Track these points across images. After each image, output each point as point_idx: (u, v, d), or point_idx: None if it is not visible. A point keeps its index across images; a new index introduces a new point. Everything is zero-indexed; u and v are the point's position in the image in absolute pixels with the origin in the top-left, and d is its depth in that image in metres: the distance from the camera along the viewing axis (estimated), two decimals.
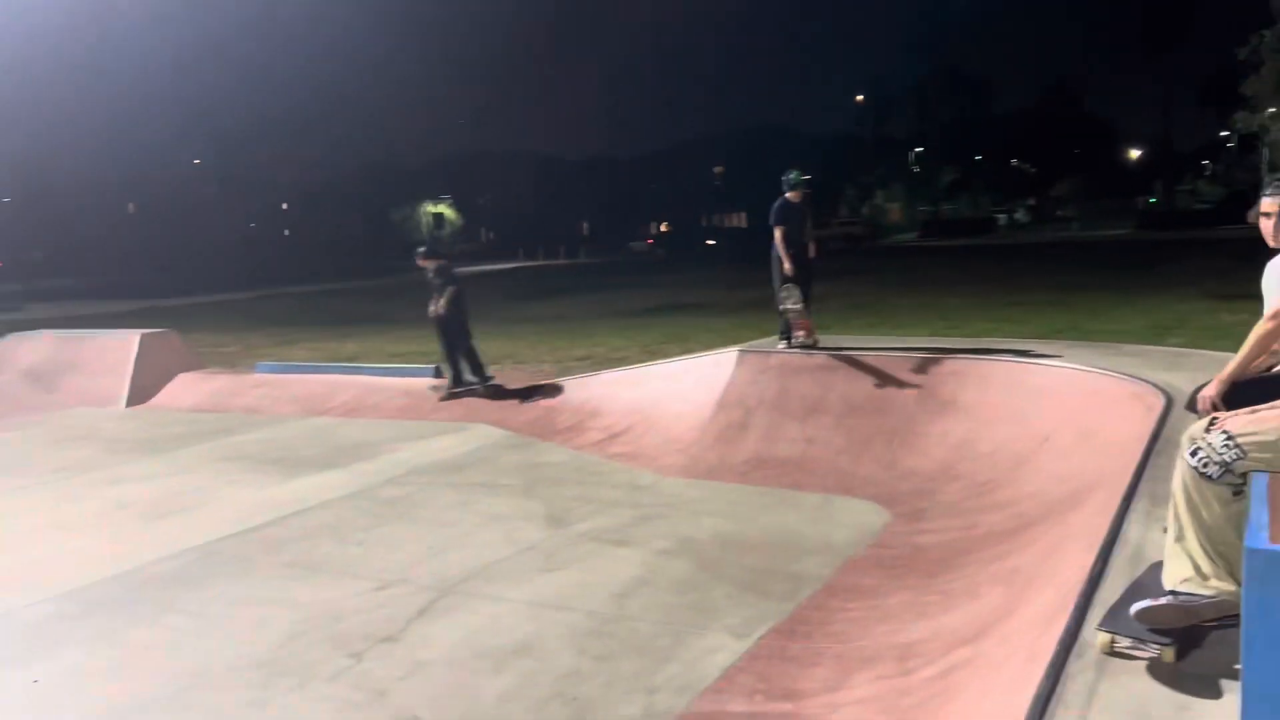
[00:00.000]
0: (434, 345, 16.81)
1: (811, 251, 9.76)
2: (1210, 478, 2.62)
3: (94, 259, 51.84)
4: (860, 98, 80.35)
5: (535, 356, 14.48)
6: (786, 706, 4.11)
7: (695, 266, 43.50)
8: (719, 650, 4.69)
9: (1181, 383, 6.69)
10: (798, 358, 9.27)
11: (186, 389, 12.98)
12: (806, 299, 9.61)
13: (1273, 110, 20.10)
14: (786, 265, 9.56)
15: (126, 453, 9.83)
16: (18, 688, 4.62)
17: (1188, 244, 34.92)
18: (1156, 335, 11.79)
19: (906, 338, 12.14)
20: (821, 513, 6.94)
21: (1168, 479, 4.49)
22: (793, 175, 9.60)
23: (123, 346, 13.39)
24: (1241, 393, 3.29)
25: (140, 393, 12.90)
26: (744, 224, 78.48)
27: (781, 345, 9.61)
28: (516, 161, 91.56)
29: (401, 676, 4.54)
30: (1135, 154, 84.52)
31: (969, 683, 3.56)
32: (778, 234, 9.55)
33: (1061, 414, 7.31)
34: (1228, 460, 2.59)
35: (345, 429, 10.52)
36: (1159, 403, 6.14)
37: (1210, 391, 3.36)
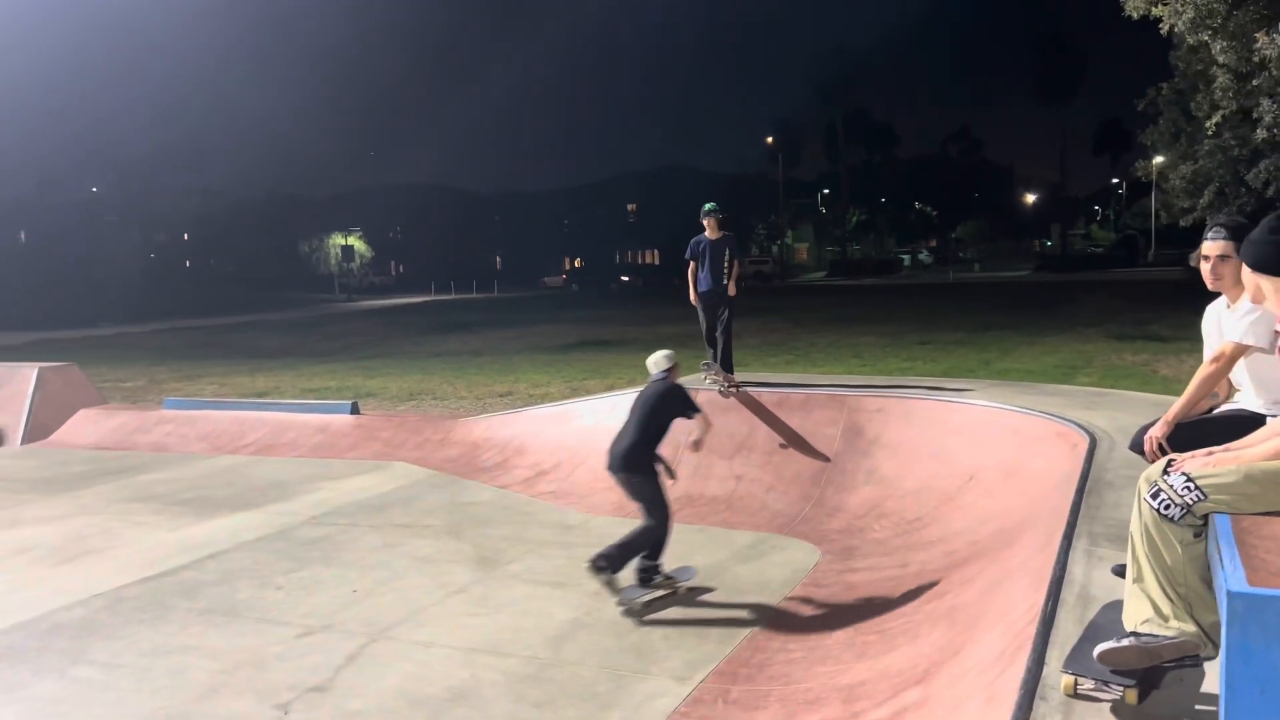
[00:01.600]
0: (350, 380, 16.49)
1: (730, 289, 9.57)
2: (1172, 519, 2.66)
3: None
4: (770, 139, 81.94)
5: (454, 393, 14.25)
6: None
7: (610, 302, 43.62)
8: (661, 695, 4.61)
9: (1102, 422, 6.89)
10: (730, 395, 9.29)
11: (88, 426, 12.42)
12: (726, 333, 9.54)
13: (1161, 160, 21.15)
14: (692, 296, 9.61)
15: (25, 493, 9.33)
16: None
17: (1084, 286, 36.34)
18: (1066, 374, 12.16)
19: (826, 375, 12.30)
20: (754, 551, 6.93)
21: (1103, 518, 4.60)
22: (707, 206, 9.64)
23: (18, 380, 12.76)
24: (1185, 434, 3.38)
25: (38, 429, 12.28)
26: (657, 261, 79.06)
27: (707, 379, 9.57)
28: (428, 194, 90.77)
29: None
30: (1032, 199, 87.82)
31: None
32: (690, 268, 9.62)
33: (985, 452, 7.44)
34: (1189, 502, 2.63)
35: (259, 468, 10.17)
36: (1084, 441, 6.29)
37: (1156, 433, 3.44)
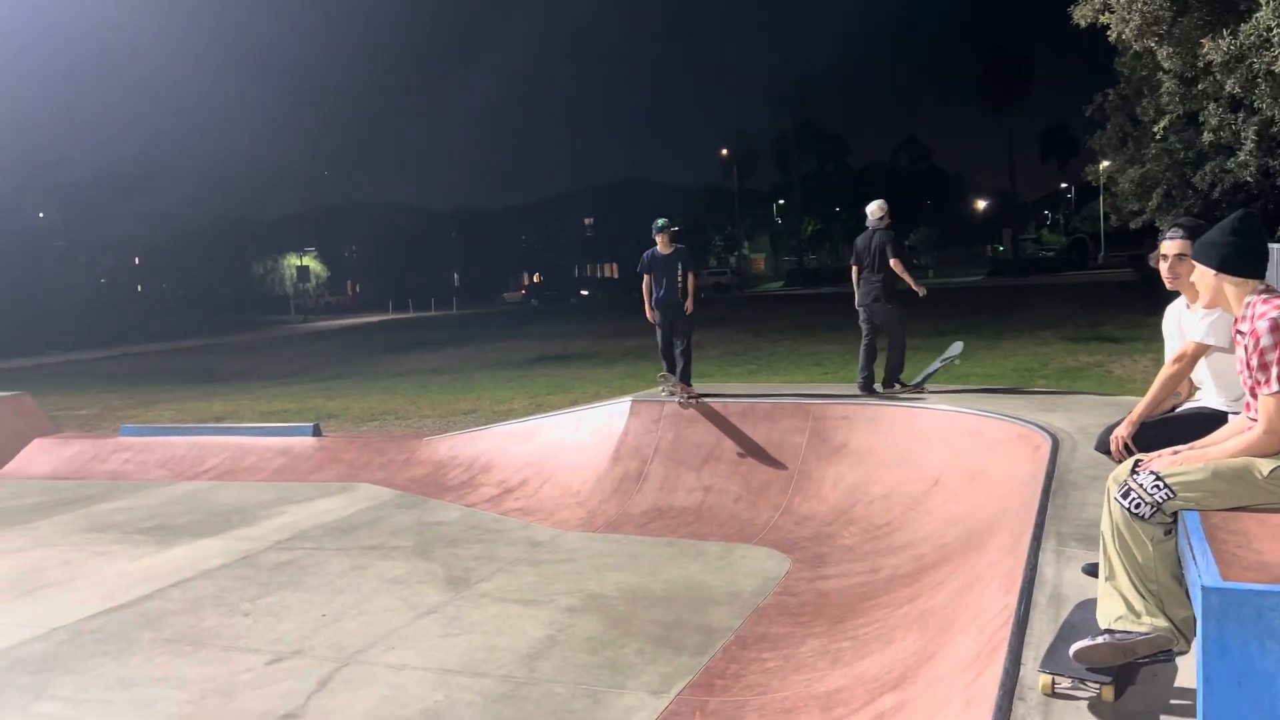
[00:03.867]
0: (310, 401, 16.30)
1: (687, 306, 9.61)
2: (1142, 518, 2.70)
3: None
4: (725, 151, 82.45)
5: (417, 411, 14.15)
6: None
7: (570, 317, 43.56)
8: (638, 709, 4.59)
9: (1062, 423, 6.99)
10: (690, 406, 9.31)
11: (43, 455, 12.16)
12: (686, 349, 9.60)
13: (1109, 164, 21.62)
14: (649, 313, 9.68)
15: None
16: None
17: (1036, 289, 36.88)
18: (1023, 378, 12.33)
19: (789, 384, 12.37)
20: (724, 562, 6.94)
21: (1070, 518, 4.67)
22: (659, 222, 9.69)
23: None
24: (1149, 433, 3.44)
25: None
26: (616, 274, 79.20)
27: (665, 391, 9.60)
28: (384, 212, 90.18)
29: None
30: (982, 205, 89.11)
31: None
32: (644, 281, 9.69)
33: (950, 456, 7.52)
34: (1159, 501, 2.68)
35: (221, 493, 10.01)
36: (1046, 443, 6.37)
37: (1122, 432, 3.49)
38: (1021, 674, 3.03)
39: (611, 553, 7.26)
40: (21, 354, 38.67)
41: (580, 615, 5.92)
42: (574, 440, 9.54)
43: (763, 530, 7.59)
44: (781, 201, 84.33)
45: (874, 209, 9.34)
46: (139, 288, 74.24)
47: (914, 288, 9.44)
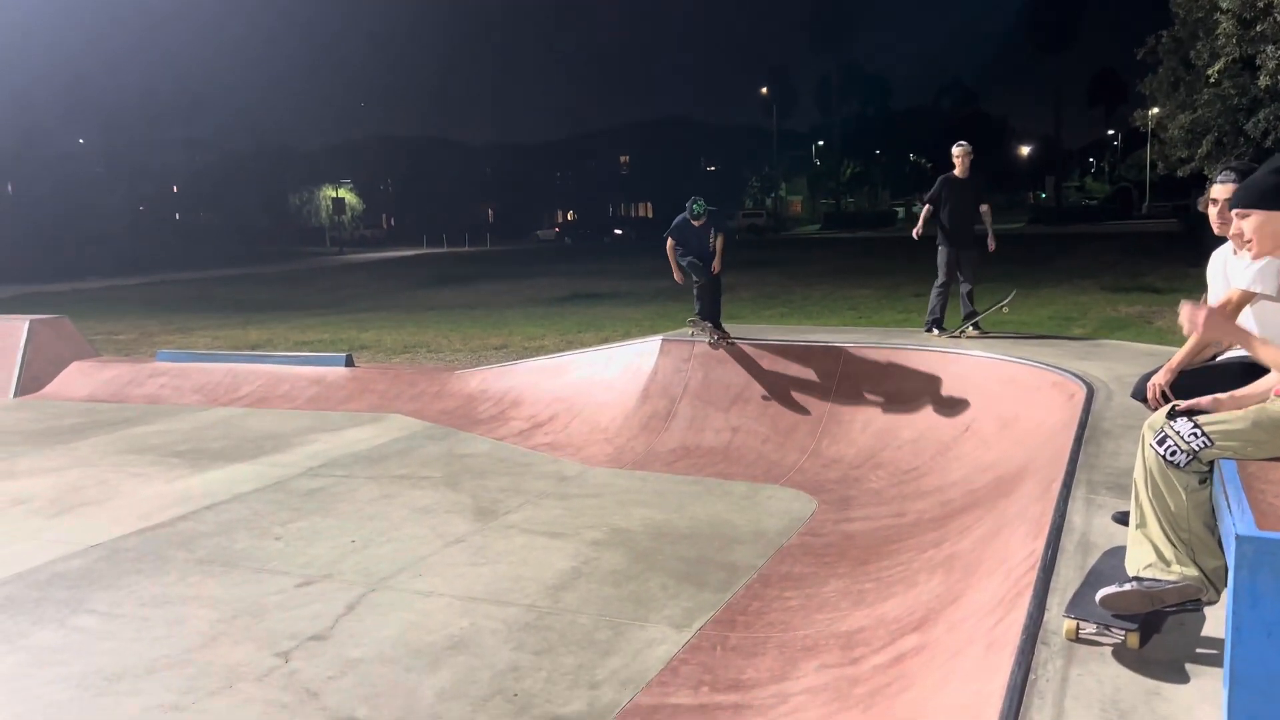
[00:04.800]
0: (344, 332, 16.42)
1: (714, 266, 9.38)
2: (1178, 465, 2.65)
3: None
4: (764, 90, 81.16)
5: (449, 345, 14.21)
6: (735, 698, 4.08)
7: (604, 255, 43.42)
8: (660, 642, 4.64)
9: (1099, 372, 6.89)
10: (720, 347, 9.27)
11: (81, 378, 12.36)
12: (715, 299, 9.48)
13: (1159, 110, 21.07)
14: (676, 275, 9.48)
15: (19, 445, 9.30)
16: None
17: (1079, 238, 36.26)
18: (1060, 326, 12.18)
19: (820, 328, 12.28)
20: (750, 501, 6.95)
21: (1102, 466, 4.61)
22: (696, 206, 9.32)
23: (9, 333, 12.66)
24: (1188, 382, 3.37)
25: (31, 382, 12.23)
26: (650, 214, 78.68)
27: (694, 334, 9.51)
28: (420, 146, 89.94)
29: (333, 676, 4.36)
30: (1026, 151, 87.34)
31: (923, 671, 3.56)
32: (668, 244, 9.42)
33: (982, 402, 7.46)
34: (1196, 449, 2.62)
35: (254, 419, 10.14)
36: (1080, 391, 6.29)
37: (1159, 380, 3.42)
38: (1046, 618, 3.01)
39: (638, 489, 7.29)
40: (61, 278, 39.21)
41: (605, 549, 5.97)
42: (604, 377, 9.55)
43: (789, 471, 7.59)
44: (821, 143, 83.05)
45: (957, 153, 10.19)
46: (177, 215, 74.75)
47: (914, 232, 10.21)
